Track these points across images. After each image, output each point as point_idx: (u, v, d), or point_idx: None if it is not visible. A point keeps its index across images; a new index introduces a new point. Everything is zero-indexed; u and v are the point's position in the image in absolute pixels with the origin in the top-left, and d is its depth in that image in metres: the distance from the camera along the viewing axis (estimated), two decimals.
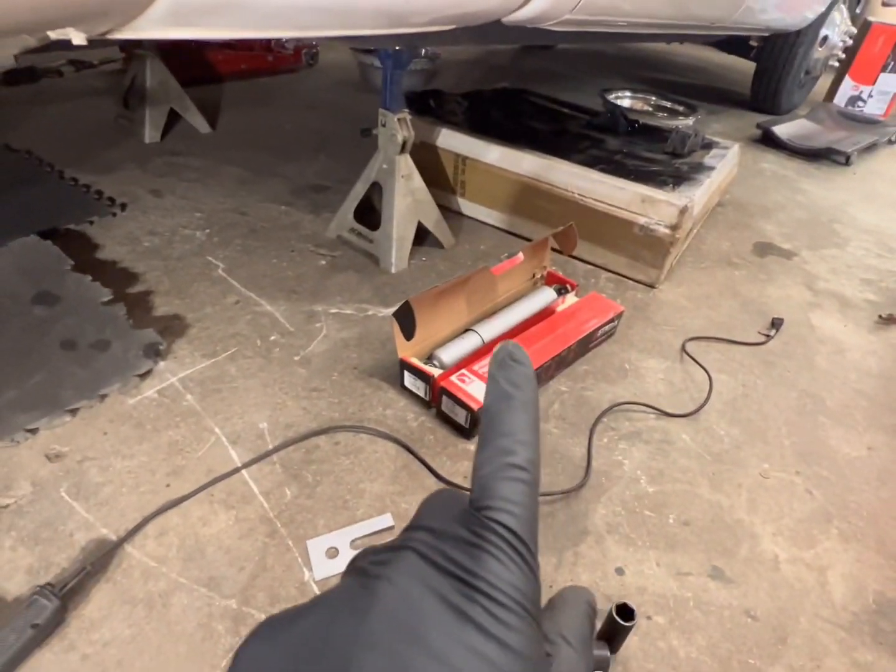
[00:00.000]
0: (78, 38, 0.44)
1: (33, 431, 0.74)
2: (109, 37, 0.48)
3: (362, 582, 0.21)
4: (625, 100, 2.09)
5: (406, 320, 0.81)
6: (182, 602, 0.59)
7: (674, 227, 1.12)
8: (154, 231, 1.17)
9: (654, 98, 2.11)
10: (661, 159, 1.35)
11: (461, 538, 0.21)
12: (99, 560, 0.60)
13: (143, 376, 0.84)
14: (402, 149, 1.09)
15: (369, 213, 1.20)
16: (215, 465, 0.73)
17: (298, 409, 0.82)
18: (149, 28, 0.46)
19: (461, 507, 0.23)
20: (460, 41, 0.95)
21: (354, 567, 0.25)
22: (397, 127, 1.07)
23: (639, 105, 2.09)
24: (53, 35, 0.46)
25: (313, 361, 0.91)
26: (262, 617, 0.58)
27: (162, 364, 0.86)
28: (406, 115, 1.08)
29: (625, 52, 3.37)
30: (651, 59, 3.30)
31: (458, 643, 0.18)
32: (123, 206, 1.23)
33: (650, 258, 1.17)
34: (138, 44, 1.49)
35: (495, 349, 0.26)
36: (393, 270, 1.13)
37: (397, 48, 1.03)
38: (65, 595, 0.55)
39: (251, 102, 1.90)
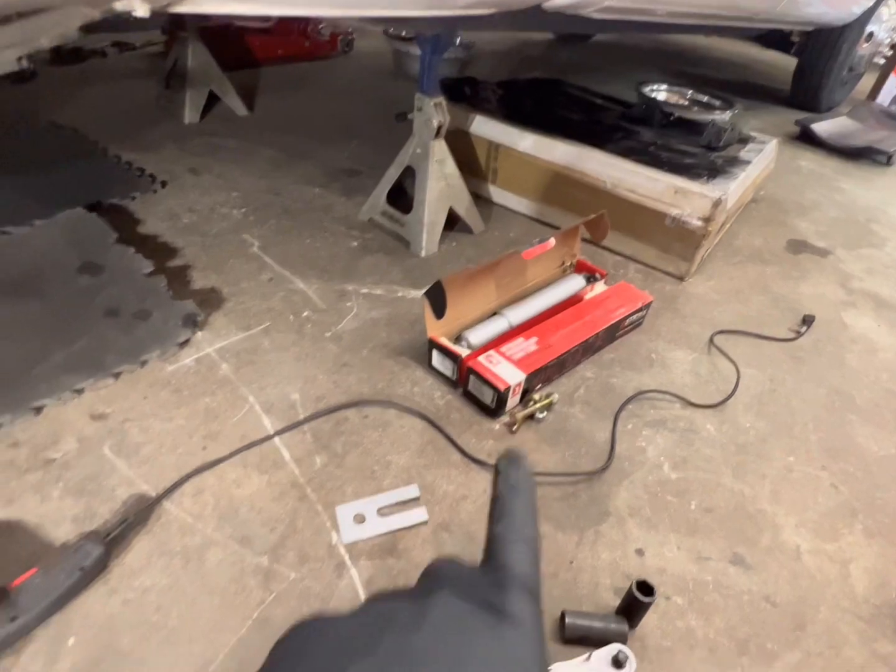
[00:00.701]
0: (142, 10, 0.47)
1: (79, 392, 0.78)
2: (170, 9, 0.50)
3: (412, 597, 0.23)
4: (660, 93, 2.06)
5: (437, 300, 0.82)
6: (216, 557, 0.61)
7: (706, 220, 1.11)
8: (192, 208, 1.21)
9: (690, 92, 2.08)
10: (696, 152, 1.34)
11: (484, 582, 0.24)
12: (140, 513, 0.63)
13: (182, 345, 0.87)
14: (437, 133, 1.10)
15: (401, 197, 1.21)
16: (249, 431, 0.76)
17: (329, 382, 0.84)
18: (206, 2, 0.48)
19: (469, 567, 0.26)
20: (498, 26, 0.95)
21: (388, 593, 0.26)
22: (433, 111, 1.08)
23: (674, 98, 2.05)
24: (119, 6, 0.48)
25: (344, 338, 0.93)
26: (293, 575, 0.61)
27: (199, 334, 0.89)
28: (442, 100, 1.09)
29: (662, 45, 3.32)
30: (688, 54, 3.24)
31: (500, 651, 0.21)
32: (164, 184, 1.27)
33: (681, 250, 1.17)
34: (182, 26, 1.53)
35: (500, 455, 0.30)
36: (423, 254, 1.15)
37: (436, 33, 1.04)
38: (109, 542, 0.58)
39: (287, 87, 1.93)
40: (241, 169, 1.38)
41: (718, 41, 3.49)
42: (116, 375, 0.81)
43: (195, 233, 1.13)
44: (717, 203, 1.10)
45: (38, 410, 0.74)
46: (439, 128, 1.09)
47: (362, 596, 0.60)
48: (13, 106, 1.52)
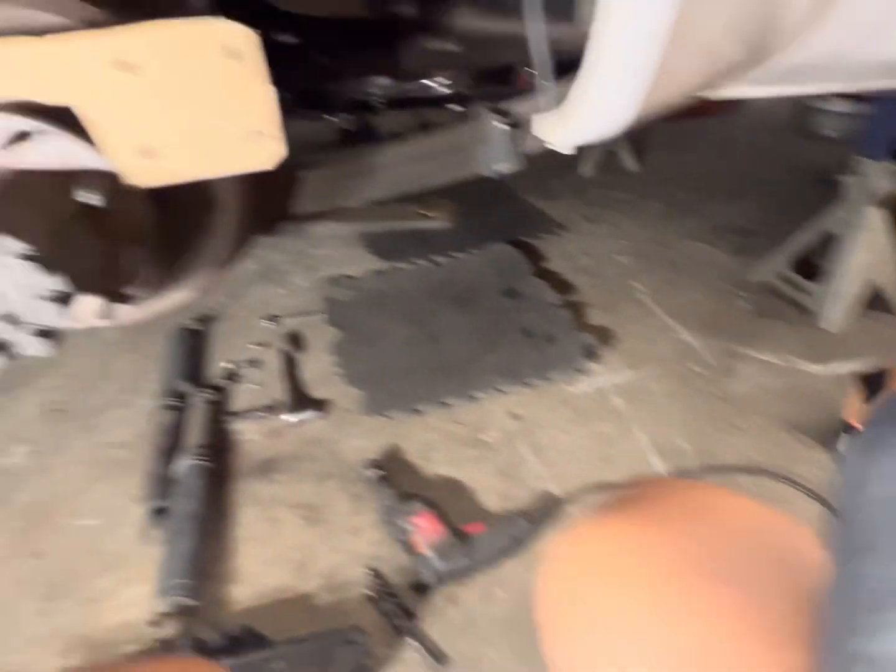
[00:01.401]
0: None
1: (501, 392, 0.95)
2: (715, 96, 0.58)
3: None
4: None
5: (874, 384, 0.74)
6: None
7: None
8: (587, 252, 1.35)
9: None
10: None
11: None
12: (551, 510, 0.74)
13: (580, 371, 0.98)
14: (878, 201, 0.99)
15: (802, 263, 1.13)
16: (638, 465, 0.81)
17: (718, 440, 0.84)
18: (749, 86, 0.54)
19: None
20: None
21: None
22: (878, 176, 0.98)
23: None
24: None
25: (734, 399, 0.91)
26: None
27: (594, 365, 0.99)
28: (892, 165, 0.98)
29: None
30: None
31: None
32: (564, 228, 1.45)
33: None
34: None
35: None
36: (832, 328, 1.04)
37: None
38: (535, 526, 0.70)
39: (676, 144, 1.99)
40: (630, 219, 1.48)
41: None
42: (528, 385, 0.96)
43: (589, 274, 1.26)
44: None
45: (473, 399, 0.93)
46: (883, 195, 0.98)
47: None
48: None
